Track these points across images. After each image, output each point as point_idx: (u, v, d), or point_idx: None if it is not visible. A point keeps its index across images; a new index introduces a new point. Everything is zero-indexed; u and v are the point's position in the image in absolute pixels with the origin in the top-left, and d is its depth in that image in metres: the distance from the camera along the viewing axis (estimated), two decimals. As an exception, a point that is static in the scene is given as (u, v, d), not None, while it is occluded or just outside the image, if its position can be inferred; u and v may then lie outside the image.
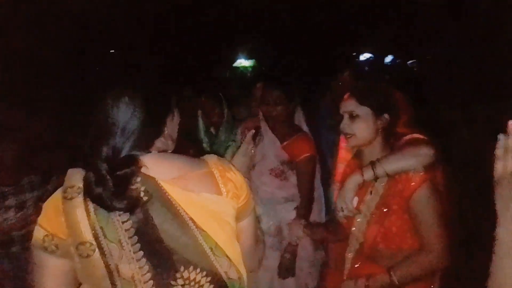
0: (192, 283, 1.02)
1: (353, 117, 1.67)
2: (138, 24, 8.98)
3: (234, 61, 15.80)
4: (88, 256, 0.99)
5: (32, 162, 2.22)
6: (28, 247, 1.09)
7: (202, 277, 1.03)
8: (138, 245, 1.01)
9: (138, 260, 1.01)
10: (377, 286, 1.62)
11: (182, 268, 1.02)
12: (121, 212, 1.01)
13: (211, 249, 1.04)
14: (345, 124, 1.69)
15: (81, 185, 1.02)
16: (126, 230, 1.01)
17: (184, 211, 1.04)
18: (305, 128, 2.65)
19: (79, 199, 1.01)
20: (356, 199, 1.62)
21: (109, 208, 1.00)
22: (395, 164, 1.58)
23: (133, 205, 1.01)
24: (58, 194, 1.05)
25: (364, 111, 1.66)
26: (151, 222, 1.02)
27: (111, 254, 1.00)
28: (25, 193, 2.19)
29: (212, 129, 3.23)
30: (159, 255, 1.01)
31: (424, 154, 1.57)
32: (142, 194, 1.02)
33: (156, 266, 1.01)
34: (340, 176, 1.90)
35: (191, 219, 1.04)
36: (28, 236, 1.07)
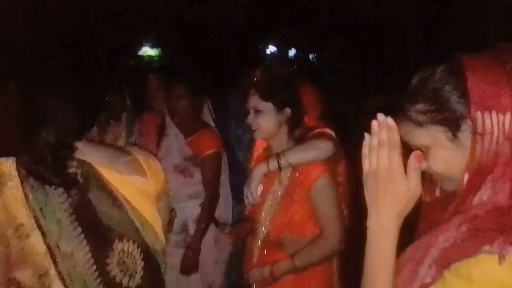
0: (126, 254, 1.16)
1: (257, 111, 1.75)
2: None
3: (139, 49, 15.19)
4: (28, 236, 1.06)
5: None
6: None
7: (134, 249, 1.18)
8: (76, 223, 1.10)
9: (77, 237, 1.10)
10: (282, 271, 1.71)
11: (117, 242, 1.15)
12: (60, 194, 1.10)
13: (141, 224, 1.19)
14: (250, 119, 1.77)
15: (14, 171, 1.08)
16: (64, 210, 1.10)
17: (118, 191, 1.16)
18: (211, 123, 2.61)
19: (15, 183, 1.08)
20: (260, 188, 1.70)
21: (50, 183, 1.09)
22: (297, 156, 1.69)
23: (71, 183, 1.11)
24: None
25: (266, 106, 1.74)
26: (88, 202, 1.12)
27: (51, 233, 1.08)
28: None
29: (112, 122, 3.05)
30: (96, 231, 1.13)
31: (324, 147, 1.70)
32: (78, 176, 1.12)
33: (94, 241, 1.12)
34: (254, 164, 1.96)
35: (124, 198, 1.17)
36: None
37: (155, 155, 2.53)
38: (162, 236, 1.25)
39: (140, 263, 1.19)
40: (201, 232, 2.40)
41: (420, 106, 0.85)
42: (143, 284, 1.20)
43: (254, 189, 1.67)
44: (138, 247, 1.19)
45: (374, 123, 0.84)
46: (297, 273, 1.71)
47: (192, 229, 2.45)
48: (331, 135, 1.80)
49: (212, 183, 2.44)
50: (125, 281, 1.16)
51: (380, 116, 0.84)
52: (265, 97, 1.73)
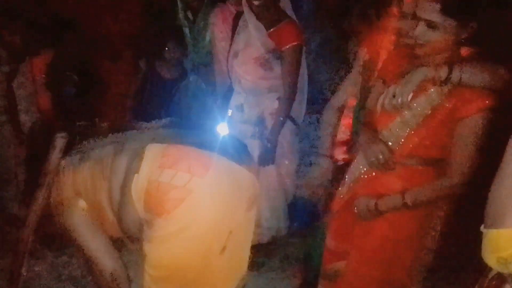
0: None
1: (431, 26, 1.42)
2: None
3: None
4: None
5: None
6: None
7: None
8: None
9: None
10: (388, 207, 1.57)
11: None
12: None
13: None
14: (420, 33, 1.43)
15: None
16: None
17: None
18: (290, 13, 2.50)
19: None
20: (411, 94, 1.47)
21: None
22: (473, 75, 1.40)
23: None
24: None
25: (448, 23, 1.40)
26: None
27: None
28: None
29: (189, 14, 3.03)
30: None
31: (501, 75, 1.41)
32: None
33: None
34: (382, 62, 1.78)
35: None
36: None
37: (229, 48, 2.55)
38: None
39: None
40: (279, 125, 2.43)
41: None
42: None
43: (407, 93, 1.43)
44: None
45: None
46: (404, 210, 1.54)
47: (268, 121, 2.47)
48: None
49: (292, 77, 2.40)
50: None
51: None
52: (451, 12, 1.38)
